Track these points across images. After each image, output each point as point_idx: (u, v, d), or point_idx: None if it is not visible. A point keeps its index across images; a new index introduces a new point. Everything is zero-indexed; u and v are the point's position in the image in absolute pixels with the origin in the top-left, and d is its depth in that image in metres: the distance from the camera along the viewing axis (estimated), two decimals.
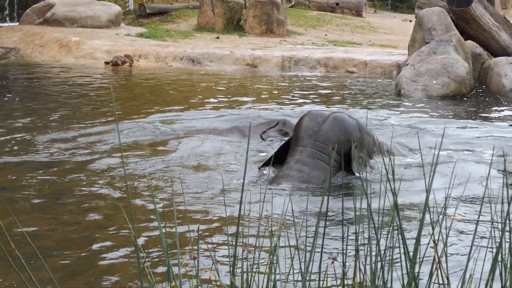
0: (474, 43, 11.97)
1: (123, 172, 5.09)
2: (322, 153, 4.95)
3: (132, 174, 5.07)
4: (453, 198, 4.22)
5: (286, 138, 5.65)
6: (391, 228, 1.94)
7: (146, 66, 13.94)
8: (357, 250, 1.95)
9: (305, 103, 9.24)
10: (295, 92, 10.45)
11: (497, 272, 1.89)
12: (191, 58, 14.21)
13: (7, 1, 21.55)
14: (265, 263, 2.04)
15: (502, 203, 1.96)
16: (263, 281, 1.94)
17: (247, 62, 13.99)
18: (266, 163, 5.25)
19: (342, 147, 4.91)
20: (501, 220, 1.89)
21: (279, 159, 5.15)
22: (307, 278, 1.93)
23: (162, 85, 11.18)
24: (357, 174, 4.94)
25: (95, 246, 3.62)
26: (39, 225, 3.94)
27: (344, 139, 4.94)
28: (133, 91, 10.41)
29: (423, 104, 9.13)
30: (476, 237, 1.99)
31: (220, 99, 9.63)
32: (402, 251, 1.92)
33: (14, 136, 6.56)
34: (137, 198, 4.40)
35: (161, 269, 3.31)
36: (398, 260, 2.00)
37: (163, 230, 2.00)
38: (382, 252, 1.94)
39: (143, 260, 2.03)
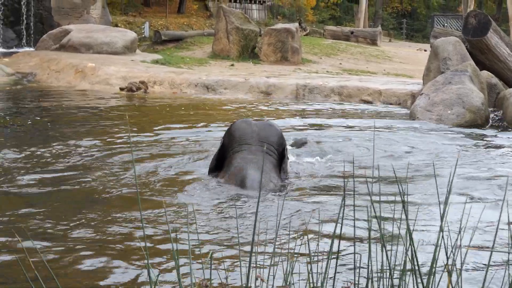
0: (490, 73, 11.94)
1: (136, 198, 5.08)
2: (267, 149, 5.69)
3: (146, 198, 5.06)
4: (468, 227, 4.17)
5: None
6: (404, 256, 1.91)
7: (161, 92, 13.99)
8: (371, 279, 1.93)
9: (318, 125, 9.22)
10: (308, 117, 10.42)
11: None
12: (205, 85, 14.24)
13: (24, 27, 21.77)
14: None
15: None
16: None
17: (261, 90, 14.01)
18: (212, 170, 5.83)
19: (279, 147, 5.82)
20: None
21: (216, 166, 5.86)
22: None
23: (175, 111, 11.21)
24: (286, 174, 5.79)
25: (107, 269, 3.60)
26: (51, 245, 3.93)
27: (279, 141, 5.85)
28: (147, 117, 10.43)
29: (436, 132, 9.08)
30: (491, 266, 1.96)
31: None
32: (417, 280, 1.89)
33: (28, 160, 6.57)
34: (151, 223, 4.38)
35: None
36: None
37: (176, 257, 1.98)
38: (395, 281, 1.91)
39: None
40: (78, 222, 4.45)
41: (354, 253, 2.15)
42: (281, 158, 5.81)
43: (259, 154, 5.58)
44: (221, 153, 5.81)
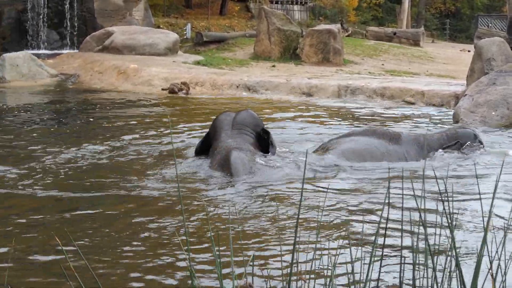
0: None
1: (178, 196, 5.10)
2: (243, 131, 6.64)
3: (187, 197, 5.08)
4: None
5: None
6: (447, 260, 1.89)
7: (203, 93, 14.03)
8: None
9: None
10: (350, 118, 10.35)
11: None
12: (247, 86, 14.26)
13: (68, 29, 22.02)
14: None
15: None
16: None
17: (303, 91, 13.98)
18: (197, 153, 6.76)
19: (255, 127, 6.77)
20: None
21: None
22: None
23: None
24: (273, 148, 6.58)
25: (148, 269, 3.61)
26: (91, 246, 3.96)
27: (254, 122, 6.81)
28: (190, 117, 10.47)
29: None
30: None
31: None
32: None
33: (73, 161, 6.64)
34: (192, 222, 4.39)
35: None
36: None
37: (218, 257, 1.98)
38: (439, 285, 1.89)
39: None
40: (122, 226, 4.48)
41: (401, 256, 2.14)
42: (260, 137, 6.72)
43: (237, 136, 6.52)
44: (206, 141, 6.74)
